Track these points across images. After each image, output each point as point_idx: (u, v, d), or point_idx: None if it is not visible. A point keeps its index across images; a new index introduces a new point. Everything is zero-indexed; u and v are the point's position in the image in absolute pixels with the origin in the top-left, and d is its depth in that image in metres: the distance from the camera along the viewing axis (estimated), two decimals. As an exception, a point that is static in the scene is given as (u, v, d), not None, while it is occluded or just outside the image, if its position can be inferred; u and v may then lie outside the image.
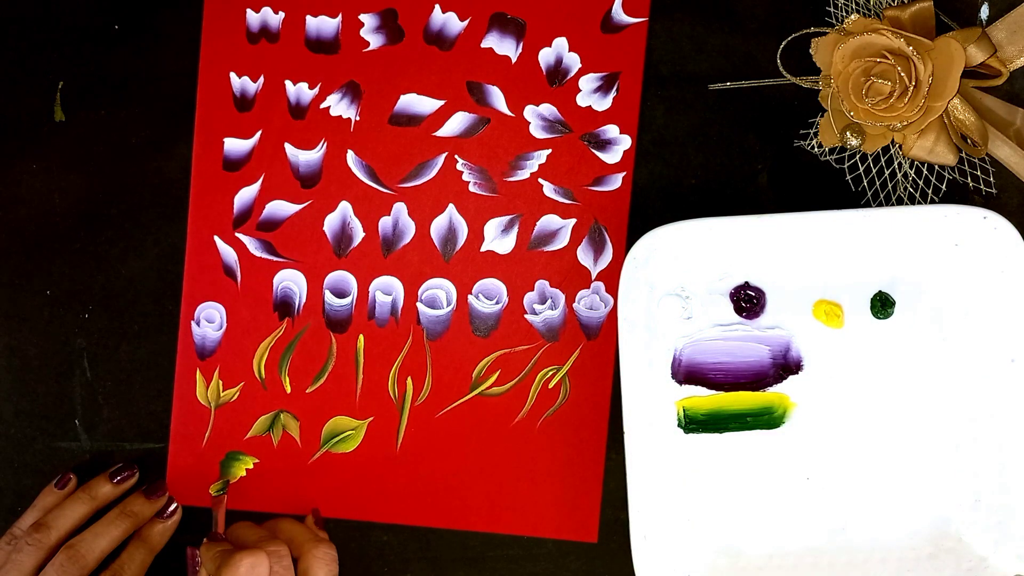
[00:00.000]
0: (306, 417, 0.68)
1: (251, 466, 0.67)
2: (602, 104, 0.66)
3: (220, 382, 0.68)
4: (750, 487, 0.64)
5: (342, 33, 0.67)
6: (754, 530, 0.64)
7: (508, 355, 0.67)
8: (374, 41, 0.67)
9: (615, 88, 0.66)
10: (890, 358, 0.64)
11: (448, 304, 0.67)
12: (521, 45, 0.67)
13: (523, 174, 0.67)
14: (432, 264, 0.67)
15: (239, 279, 0.68)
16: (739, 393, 0.64)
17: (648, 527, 0.62)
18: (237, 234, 0.68)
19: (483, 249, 0.67)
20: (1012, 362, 0.62)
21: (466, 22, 0.67)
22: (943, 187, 0.64)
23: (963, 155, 0.63)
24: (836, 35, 0.62)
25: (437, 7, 0.67)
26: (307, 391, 0.68)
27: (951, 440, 0.64)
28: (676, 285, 0.64)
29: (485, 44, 0.67)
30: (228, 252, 0.68)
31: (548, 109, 0.67)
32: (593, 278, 0.67)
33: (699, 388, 0.64)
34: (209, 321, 0.68)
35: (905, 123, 0.61)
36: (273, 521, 0.66)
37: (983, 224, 0.60)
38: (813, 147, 0.65)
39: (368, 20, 0.67)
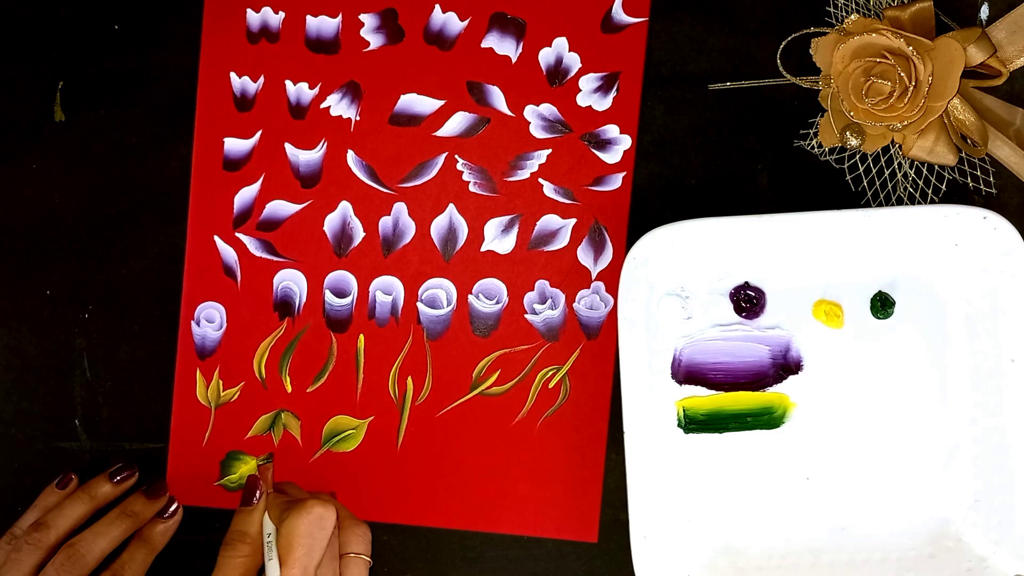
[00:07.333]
0: (307, 416, 0.68)
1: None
2: (602, 104, 0.66)
3: (220, 382, 0.68)
4: (750, 487, 0.64)
5: (342, 33, 0.67)
6: (754, 530, 0.64)
7: (508, 355, 0.67)
8: (374, 41, 0.67)
9: (615, 88, 0.66)
10: (890, 358, 0.64)
11: (448, 304, 0.67)
12: (521, 45, 0.66)
13: (523, 174, 0.67)
14: (432, 264, 0.67)
15: (239, 279, 0.68)
16: (739, 393, 0.64)
17: (648, 527, 0.62)
18: (237, 234, 0.68)
19: (483, 249, 0.67)
20: (1012, 362, 0.62)
21: (466, 22, 0.67)
22: (943, 187, 0.64)
23: (963, 155, 0.63)
24: (836, 35, 0.62)
25: (437, 7, 0.67)
26: (307, 391, 0.68)
27: (951, 440, 0.64)
28: (676, 285, 0.64)
29: (485, 44, 0.67)
30: (228, 252, 0.68)
31: (548, 109, 0.67)
32: (593, 278, 0.67)
33: (699, 388, 0.64)
34: (209, 321, 0.68)
35: (905, 123, 0.61)
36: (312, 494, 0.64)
37: (983, 224, 0.60)
38: (813, 147, 0.65)
39: (368, 20, 0.67)
